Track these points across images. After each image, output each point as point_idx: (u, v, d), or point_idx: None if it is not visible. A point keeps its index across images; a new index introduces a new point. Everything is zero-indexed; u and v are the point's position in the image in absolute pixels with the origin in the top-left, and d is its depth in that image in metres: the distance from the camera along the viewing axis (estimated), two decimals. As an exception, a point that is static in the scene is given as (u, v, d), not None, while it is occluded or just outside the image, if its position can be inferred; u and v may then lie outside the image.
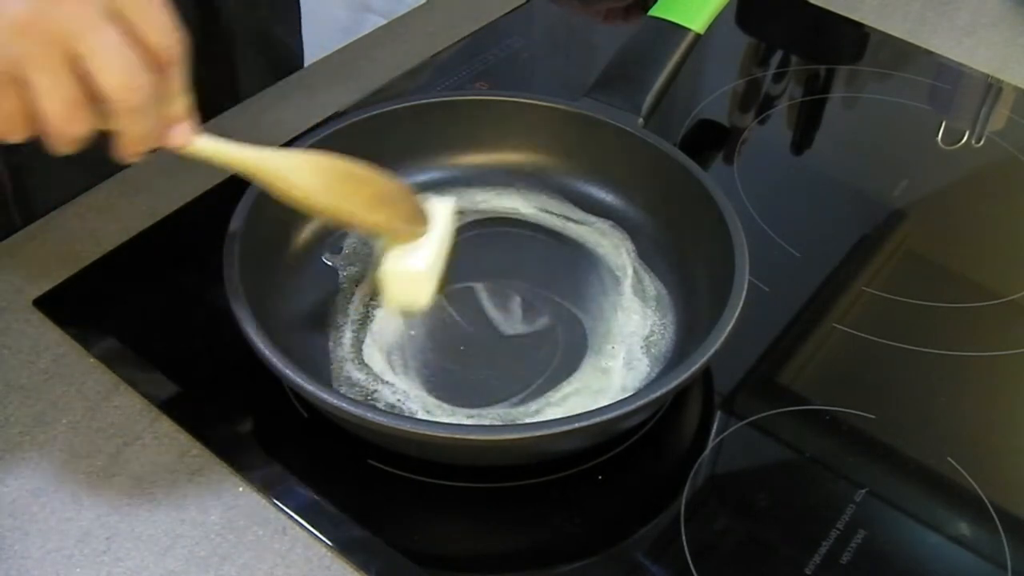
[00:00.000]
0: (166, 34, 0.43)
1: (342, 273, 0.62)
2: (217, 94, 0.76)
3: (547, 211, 0.66)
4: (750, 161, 0.75)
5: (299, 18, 0.85)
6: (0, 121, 0.42)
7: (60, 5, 0.40)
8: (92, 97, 0.42)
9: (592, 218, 0.65)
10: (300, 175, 0.52)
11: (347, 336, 0.58)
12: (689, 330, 0.58)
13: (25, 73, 0.40)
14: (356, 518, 0.51)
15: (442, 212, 0.58)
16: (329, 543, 0.50)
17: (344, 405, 0.48)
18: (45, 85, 0.41)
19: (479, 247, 0.64)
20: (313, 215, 0.55)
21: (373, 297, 0.60)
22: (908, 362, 0.60)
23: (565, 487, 0.52)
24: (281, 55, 0.83)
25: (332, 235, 0.63)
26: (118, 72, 0.41)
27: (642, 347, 0.58)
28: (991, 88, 0.83)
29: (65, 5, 0.40)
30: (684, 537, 0.50)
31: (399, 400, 0.54)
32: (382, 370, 0.56)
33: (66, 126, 0.42)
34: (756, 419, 0.56)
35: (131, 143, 0.44)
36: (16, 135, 0.42)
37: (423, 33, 0.85)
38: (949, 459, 0.55)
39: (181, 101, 0.46)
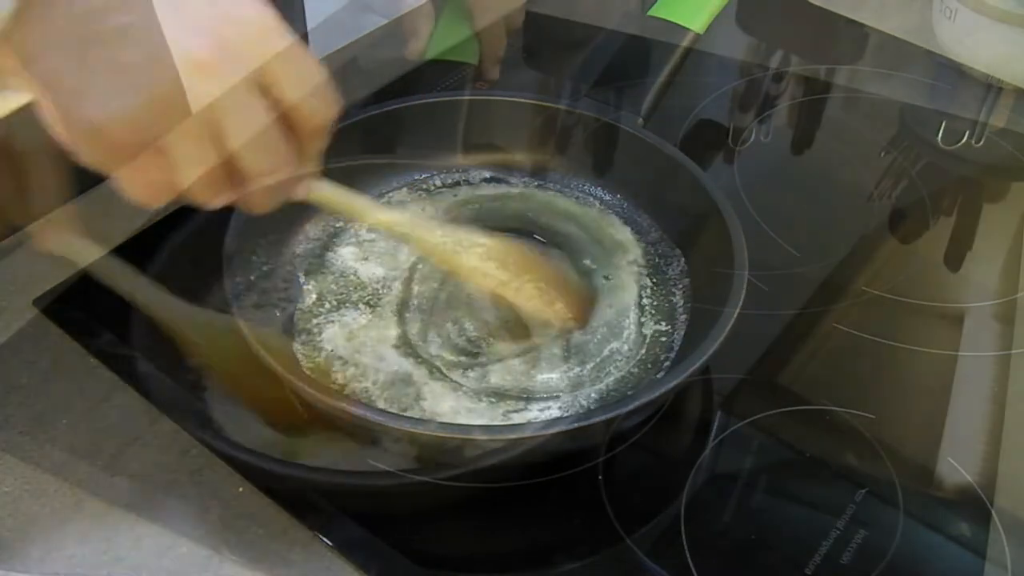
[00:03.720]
0: (319, 111, 0.43)
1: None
2: None
3: (547, 211, 0.66)
4: (750, 161, 0.75)
5: (303, 19, 0.84)
6: (144, 190, 0.42)
7: (207, 80, 0.39)
8: (232, 172, 0.42)
9: (593, 213, 0.65)
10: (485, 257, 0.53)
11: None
12: (689, 330, 0.58)
13: (167, 145, 0.40)
14: (356, 518, 0.51)
15: None
16: (329, 543, 0.50)
17: (344, 405, 0.48)
18: (186, 158, 0.40)
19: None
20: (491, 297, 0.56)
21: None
22: (908, 362, 0.60)
23: (565, 487, 0.52)
24: None
25: (330, 237, 0.63)
26: (261, 158, 0.41)
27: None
28: (991, 88, 0.83)
29: (214, 81, 0.39)
30: (684, 537, 0.50)
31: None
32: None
33: (205, 198, 0.42)
34: (756, 419, 0.56)
35: (258, 206, 0.44)
36: (158, 203, 0.42)
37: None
38: (949, 459, 0.55)
39: (314, 163, 0.46)
